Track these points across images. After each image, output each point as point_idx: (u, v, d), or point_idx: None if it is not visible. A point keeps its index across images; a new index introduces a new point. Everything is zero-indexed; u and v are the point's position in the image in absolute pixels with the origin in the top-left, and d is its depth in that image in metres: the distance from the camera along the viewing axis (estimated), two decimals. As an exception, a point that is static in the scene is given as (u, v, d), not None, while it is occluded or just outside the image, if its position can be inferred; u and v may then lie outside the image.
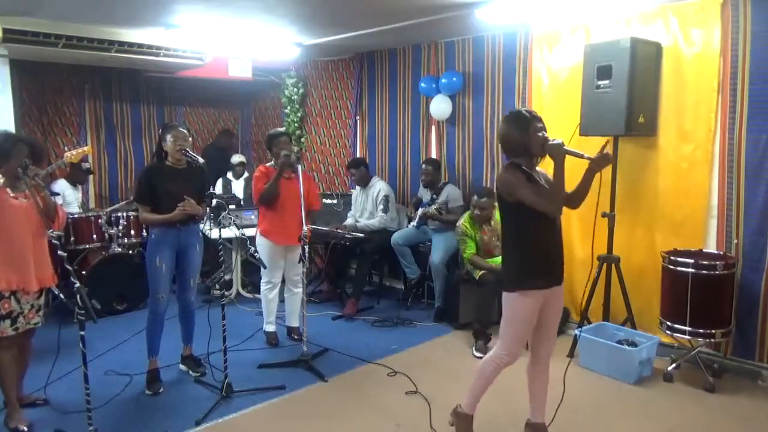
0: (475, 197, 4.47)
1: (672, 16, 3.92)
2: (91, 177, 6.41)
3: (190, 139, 3.66)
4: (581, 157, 2.67)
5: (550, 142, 2.66)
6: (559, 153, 2.63)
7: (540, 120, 2.74)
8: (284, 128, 4.54)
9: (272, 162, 4.32)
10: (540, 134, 2.69)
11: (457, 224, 4.56)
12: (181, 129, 3.61)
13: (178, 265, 3.70)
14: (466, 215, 4.55)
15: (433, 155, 5.64)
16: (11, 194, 3.03)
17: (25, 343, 3.27)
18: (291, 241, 4.22)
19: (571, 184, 2.70)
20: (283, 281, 4.49)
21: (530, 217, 2.67)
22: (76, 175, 5.62)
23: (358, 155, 6.31)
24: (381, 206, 5.40)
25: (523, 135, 2.69)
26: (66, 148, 6.18)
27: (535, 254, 2.75)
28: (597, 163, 2.64)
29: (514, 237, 2.82)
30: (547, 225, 2.72)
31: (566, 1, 3.93)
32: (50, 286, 3.21)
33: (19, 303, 3.05)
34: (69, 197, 5.51)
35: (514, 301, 2.78)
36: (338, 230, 5.38)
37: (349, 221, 5.66)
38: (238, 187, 6.52)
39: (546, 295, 2.78)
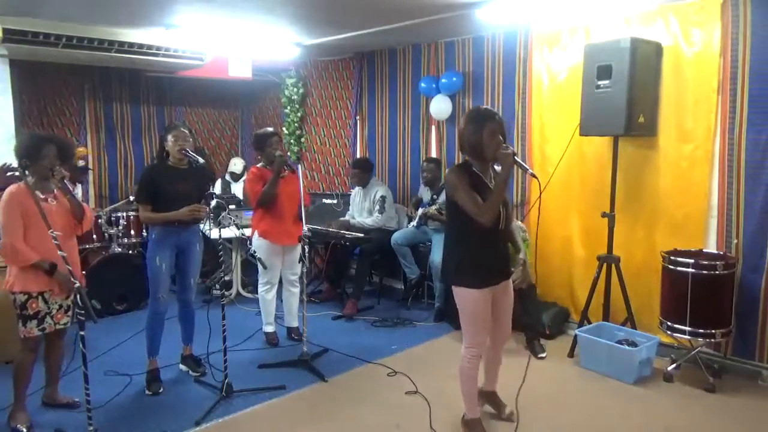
0: None
1: (672, 15, 3.91)
2: (91, 177, 6.40)
3: (191, 139, 3.66)
4: (526, 171, 2.68)
5: (502, 149, 2.59)
6: (507, 162, 2.57)
7: (499, 123, 2.66)
8: (272, 128, 4.48)
9: (262, 163, 4.32)
10: (495, 138, 2.61)
11: None
12: (182, 129, 3.63)
13: (178, 264, 3.71)
14: None
15: (433, 155, 5.63)
16: (41, 196, 2.99)
17: (55, 343, 3.28)
18: (290, 240, 4.23)
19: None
20: (281, 282, 4.48)
21: (469, 220, 2.64)
22: (74, 174, 5.60)
23: (358, 155, 6.30)
24: (377, 206, 5.41)
25: (477, 134, 2.61)
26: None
27: (472, 255, 2.75)
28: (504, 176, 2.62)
29: (454, 235, 2.84)
30: (487, 229, 2.65)
31: (566, 1, 3.93)
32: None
33: (47, 303, 3.05)
34: (69, 197, 5.50)
35: (457, 295, 2.82)
36: (330, 227, 5.38)
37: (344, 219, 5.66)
38: (237, 189, 6.52)
39: (491, 291, 2.80)
